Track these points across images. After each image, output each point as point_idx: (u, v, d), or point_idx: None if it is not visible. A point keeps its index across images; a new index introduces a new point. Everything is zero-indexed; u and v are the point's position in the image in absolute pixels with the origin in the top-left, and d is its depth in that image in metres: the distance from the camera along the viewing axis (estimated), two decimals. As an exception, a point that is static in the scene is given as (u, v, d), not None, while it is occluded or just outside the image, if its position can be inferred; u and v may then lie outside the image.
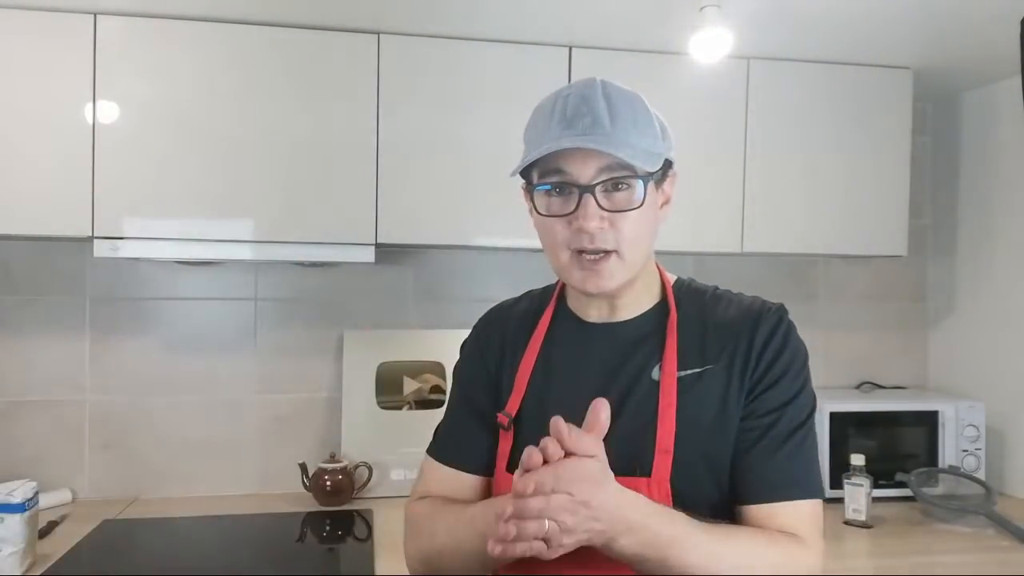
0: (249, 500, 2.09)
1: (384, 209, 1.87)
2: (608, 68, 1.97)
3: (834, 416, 2.13)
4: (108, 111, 1.76)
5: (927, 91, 2.35)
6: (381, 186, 1.87)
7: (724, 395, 0.94)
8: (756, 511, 0.92)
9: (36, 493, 1.63)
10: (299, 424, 2.17)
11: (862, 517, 1.91)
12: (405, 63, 1.88)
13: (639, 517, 0.81)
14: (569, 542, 0.78)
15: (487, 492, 1.04)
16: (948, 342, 2.47)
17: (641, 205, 0.91)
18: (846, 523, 1.93)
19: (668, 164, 0.97)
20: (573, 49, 1.96)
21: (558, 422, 0.80)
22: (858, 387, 2.46)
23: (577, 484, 0.78)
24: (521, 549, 0.77)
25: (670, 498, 0.90)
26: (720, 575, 0.84)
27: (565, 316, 1.05)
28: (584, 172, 0.90)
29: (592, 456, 0.81)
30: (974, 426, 2.17)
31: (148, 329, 2.12)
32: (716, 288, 1.05)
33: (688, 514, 0.87)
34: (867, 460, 1.95)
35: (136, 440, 2.10)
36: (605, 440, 0.89)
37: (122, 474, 2.09)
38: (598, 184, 0.90)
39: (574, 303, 1.05)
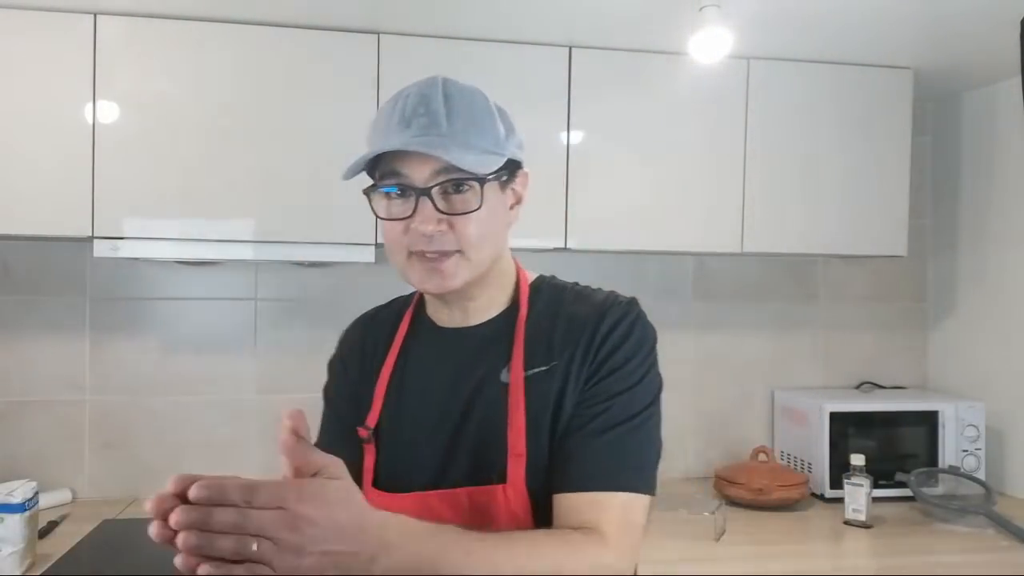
0: (249, 500, 2.08)
1: (384, 209, 1.87)
2: (608, 68, 1.98)
3: (834, 416, 2.13)
4: (108, 111, 1.76)
5: (927, 91, 2.35)
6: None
7: (564, 388, 0.92)
8: (564, 500, 0.87)
9: (36, 493, 1.63)
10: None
11: (862, 517, 1.91)
12: (405, 63, 1.88)
13: (395, 536, 0.71)
14: (307, 563, 0.64)
15: None
16: (948, 342, 2.47)
17: (479, 208, 0.88)
18: (846, 523, 1.93)
19: (515, 164, 0.96)
20: (573, 49, 1.96)
21: (287, 441, 0.69)
22: (858, 387, 2.46)
23: (296, 500, 0.64)
24: (236, 571, 0.64)
25: (528, 502, 0.88)
26: None
27: (421, 323, 1.04)
28: (420, 175, 0.88)
29: (326, 474, 0.69)
30: (974, 426, 2.17)
31: (148, 329, 2.12)
32: (576, 284, 1.03)
33: (550, 520, 0.86)
34: (867, 460, 1.95)
35: (136, 440, 2.10)
36: (459, 448, 0.90)
37: (122, 474, 2.09)
38: (434, 187, 0.88)
39: (430, 309, 1.03)
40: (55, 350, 2.07)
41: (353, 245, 1.87)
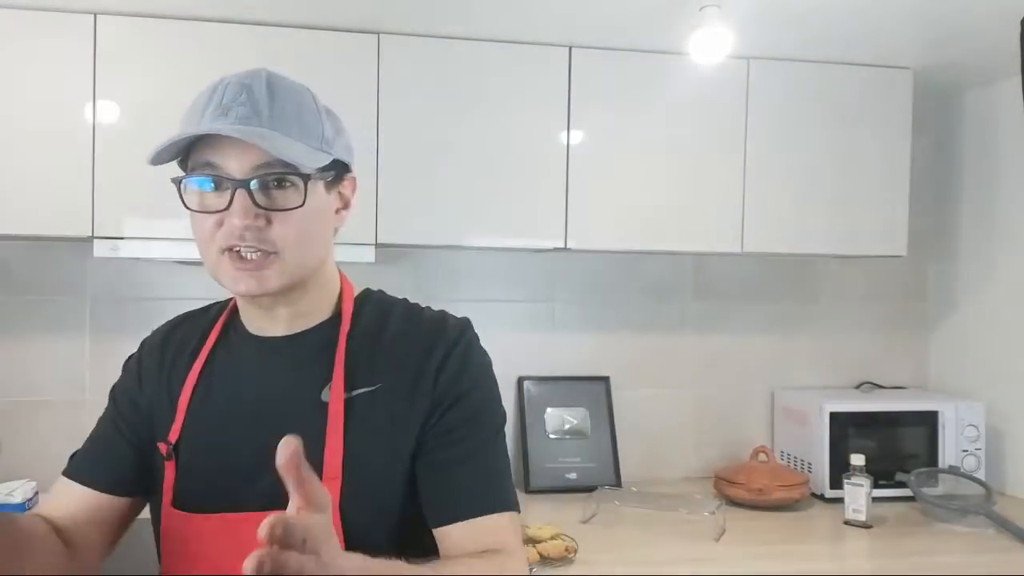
0: (249, 500, 2.09)
1: (384, 209, 1.87)
2: (608, 68, 1.98)
3: (834, 416, 2.13)
4: (108, 111, 1.76)
5: (927, 91, 2.34)
6: (381, 186, 1.87)
7: (396, 414, 0.87)
8: (457, 530, 0.86)
9: (36, 493, 1.63)
10: (299, 424, 2.16)
11: (862, 517, 1.91)
12: (405, 63, 1.88)
13: (356, 566, 0.69)
14: None
15: (115, 514, 0.98)
16: (948, 342, 2.47)
17: (302, 205, 0.83)
18: (846, 523, 1.93)
19: (343, 167, 0.91)
20: (573, 49, 1.96)
21: (296, 476, 0.64)
22: (858, 387, 2.46)
23: (322, 542, 0.62)
24: None
25: (340, 528, 0.80)
26: None
27: (233, 330, 0.97)
28: (238, 166, 0.82)
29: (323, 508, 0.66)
30: (974, 426, 2.17)
31: (148, 329, 2.10)
32: (405, 301, 0.99)
33: (365, 545, 0.77)
34: (867, 460, 1.95)
35: (136, 440, 2.10)
36: (267, 468, 0.76)
37: (122, 474, 2.09)
38: (253, 179, 0.82)
39: (244, 315, 0.96)
40: (55, 350, 2.07)
41: (353, 245, 1.87)
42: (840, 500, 1.97)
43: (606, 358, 2.32)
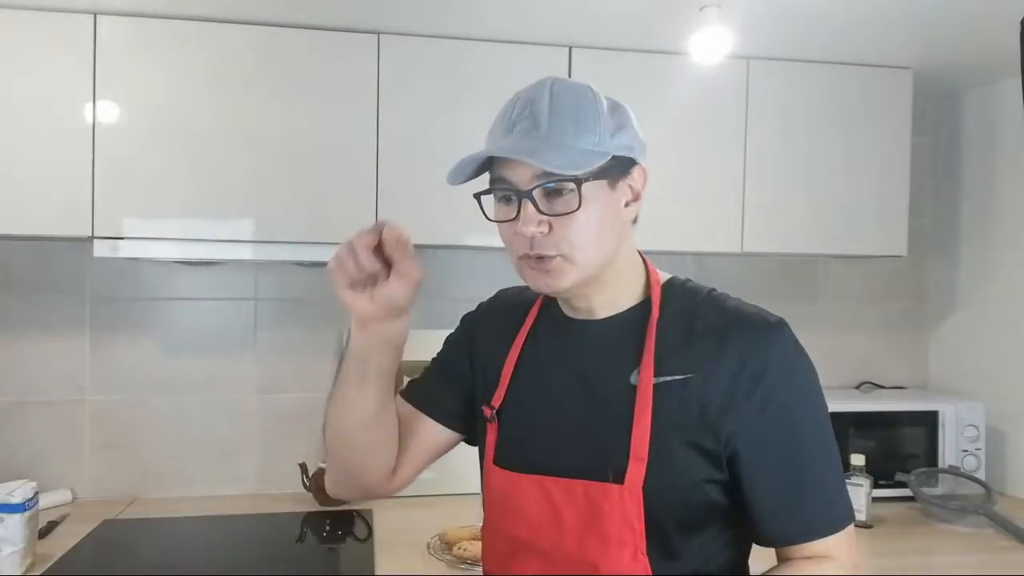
0: (249, 500, 2.09)
1: (384, 209, 1.87)
2: (608, 68, 1.98)
3: (834, 416, 2.08)
4: (108, 111, 1.76)
5: (927, 91, 2.35)
6: (381, 186, 1.87)
7: (706, 407, 0.89)
8: (792, 552, 0.93)
9: (36, 493, 1.63)
10: (299, 424, 2.17)
11: (862, 517, 1.91)
12: (405, 63, 1.88)
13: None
14: None
15: (437, 442, 1.09)
16: (948, 342, 2.47)
17: (578, 208, 0.88)
18: (846, 523, 1.93)
19: (628, 162, 0.95)
20: (573, 49, 1.96)
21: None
22: (858, 387, 2.46)
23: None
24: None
25: (642, 507, 0.88)
26: None
27: (549, 312, 1.05)
28: (521, 178, 0.89)
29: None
30: (974, 426, 2.17)
31: (148, 329, 2.12)
32: (712, 290, 1.00)
33: (662, 530, 0.90)
34: (867, 460, 1.95)
35: (136, 440, 2.10)
36: (578, 440, 0.93)
37: (122, 474, 2.09)
38: (534, 189, 0.88)
39: (560, 300, 1.04)
40: (55, 350, 2.07)
41: (353, 245, 1.86)
42: (840, 500, 1.96)
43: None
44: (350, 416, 0.98)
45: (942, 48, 2.01)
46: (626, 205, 0.96)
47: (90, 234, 1.75)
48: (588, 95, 0.93)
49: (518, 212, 0.90)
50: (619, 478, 0.89)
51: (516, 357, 1.03)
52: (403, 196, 1.89)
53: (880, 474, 2.04)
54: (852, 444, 2.10)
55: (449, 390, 1.10)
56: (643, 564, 0.89)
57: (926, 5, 1.73)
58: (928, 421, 2.18)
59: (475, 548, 1.61)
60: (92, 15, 1.75)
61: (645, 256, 1.04)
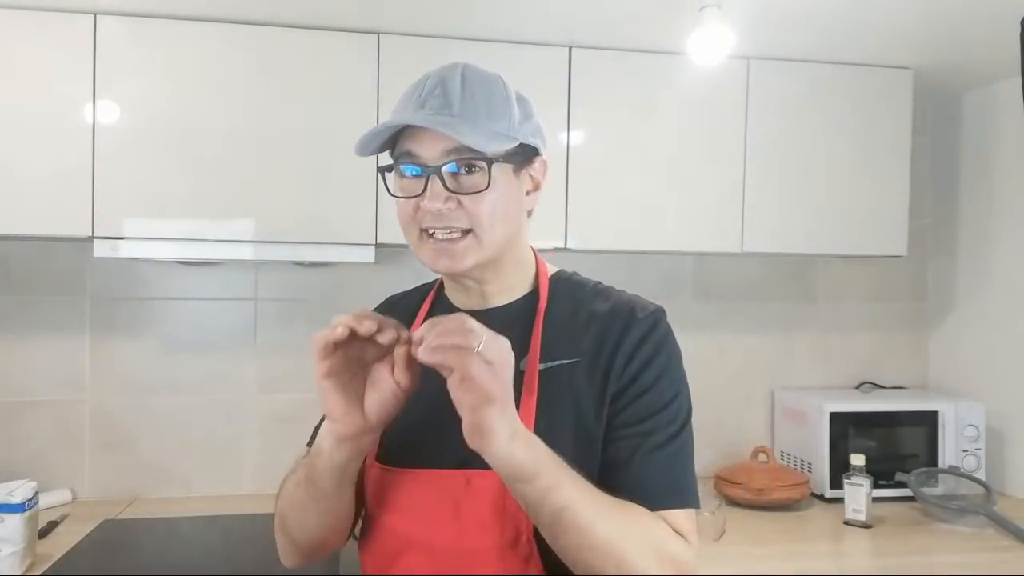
0: (249, 500, 2.09)
1: (384, 209, 1.87)
2: (608, 68, 1.98)
3: (834, 416, 2.13)
4: (108, 111, 1.76)
5: (927, 91, 2.35)
6: (381, 186, 1.87)
7: (587, 391, 0.92)
8: None
9: (36, 493, 1.63)
10: (299, 424, 2.16)
11: (862, 517, 1.91)
12: (405, 63, 1.88)
13: (524, 431, 0.81)
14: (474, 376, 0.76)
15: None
16: (948, 342, 2.47)
17: (488, 187, 0.89)
18: (846, 523, 1.93)
19: (532, 150, 0.96)
20: (573, 49, 1.96)
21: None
22: (858, 387, 2.46)
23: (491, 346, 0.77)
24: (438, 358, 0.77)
25: None
26: (595, 534, 0.82)
27: (441, 305, 1.05)
28: (431, 153, 0.89)
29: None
30: (974, 426, 2.17)
31: (148, 329, 2.12)
32: (598, 283, 1.03)
33: None
34: (867, 460, 1.95)
35: (136, 440, 2.10)
36: (452, 435, 0.86)
37: (122, 474, 2.09)
38: (444, 165, 0.89)
39: (449, 291, 1.05)
40: (55, 350, 2.07)
41: (353, 245, 1.87)
42: (840, 500, 1.97)
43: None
44: (322, 517, 0.96)
45: (942, 48, 2.01)
46: (527, 194, 0.97)
47: (90, 234, 1.75)
48: (499, 83, 0.96)
49: (425, 188, 0.89)
50: None
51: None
52: (403, 196, 1.88)
53: (880, 474, 2.04)
54: (852, 444, 2.10)
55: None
56: (532, 548, 0.89)
57: (926, 5, 1.73)
58: (928, 421, 2.18)
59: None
60: (92, 15, 1.75)
61: (535, 250, 1.05)
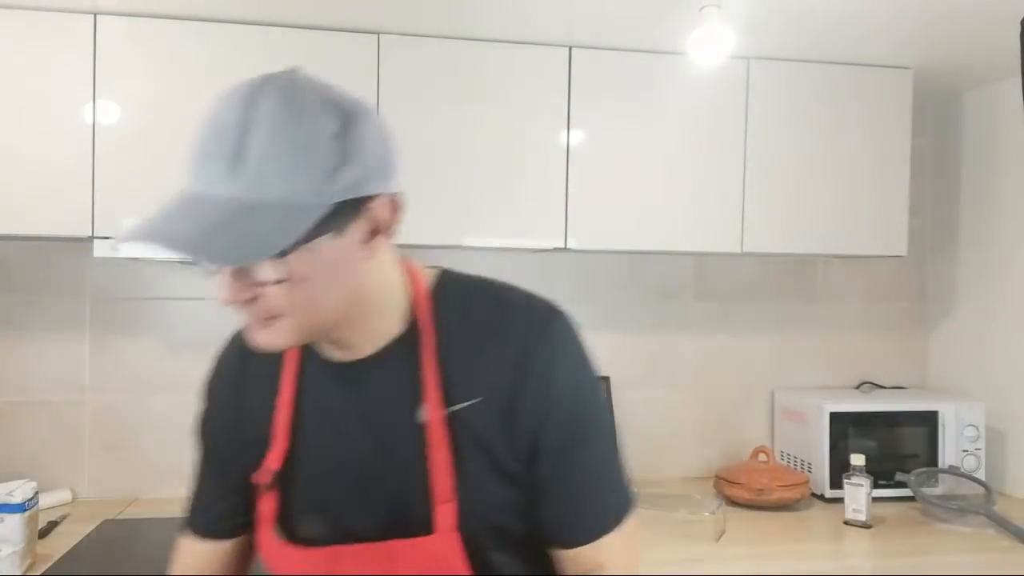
0: (249, 500, 2.08)
1: (384, 209, 1.87)
2: (608, 68, 1.98)
3: (834, 416, 2.13)
4: (108, 111, 1.76)
5: (927, 91, 2.35)
6: (381, 186, 1.87)
7: (499, 427, 0.80)
8: (566, 554, 0.83)
9: (36, 493, 1.63)
10: (299, 424, 2.16)
11: (862, 517, 1.91)
12: (405, 63, 1.88)
13: None
14: None
15: (243, 555, 0.94)
16: (948, 342, 2.47)
17: (286, 279, 0.71)
18: (846, 523, 1.93)
19: (361, 200, 0.74)
20: (573, 49, 1.96)
21: None
22: (858, 387, 2.46)
23: None
24: None
25: (461, 551, 0.79)
26: None
27: (311, 355, 0.86)
28: None
29: None
30: (974, 426, 2.17)
31: (148, 329, 2.12)
32: (483, 283, 0.90)
33: (488, 566, 0.81)
34: (867, 460, 1.95)
35: (136, 440, 2.10)
36: (373, 496, 0.81)
37: (122, 474, 2.09)
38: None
39: None
40: (55, 350, 2.07)
41: (353, 245, 1.87)
42: (840, 500, 1.97)
43: (606, 358, 2.32)
44: None
45: (942, 48, 2.01)
46: (370, 238, 0.76)
47: (90, 234, 1.75)
48: (309, 111, 0.73)
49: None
50: (427, 528, 0.79)
51: (289, 409, 0.86)
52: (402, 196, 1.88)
53: (880, 474, 2.04)
54: (852, 444, 2.10)
55: (237, 496, 0.90)
56: None
57: (926, 5, 1.73)
58: (928, 421, 2.18)
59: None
60: (92, 15, 1.75)
61: (408, 262, 0.88)
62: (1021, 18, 1.73)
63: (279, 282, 0.71)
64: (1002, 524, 1.88)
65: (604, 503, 0.84)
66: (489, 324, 0.83)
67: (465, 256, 2.24)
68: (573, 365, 0.84)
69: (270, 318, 0.74)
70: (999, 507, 1.95)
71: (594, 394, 0.86)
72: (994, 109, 2.30)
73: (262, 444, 0.86)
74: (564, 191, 1.96)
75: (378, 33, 1.87)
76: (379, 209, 0.76)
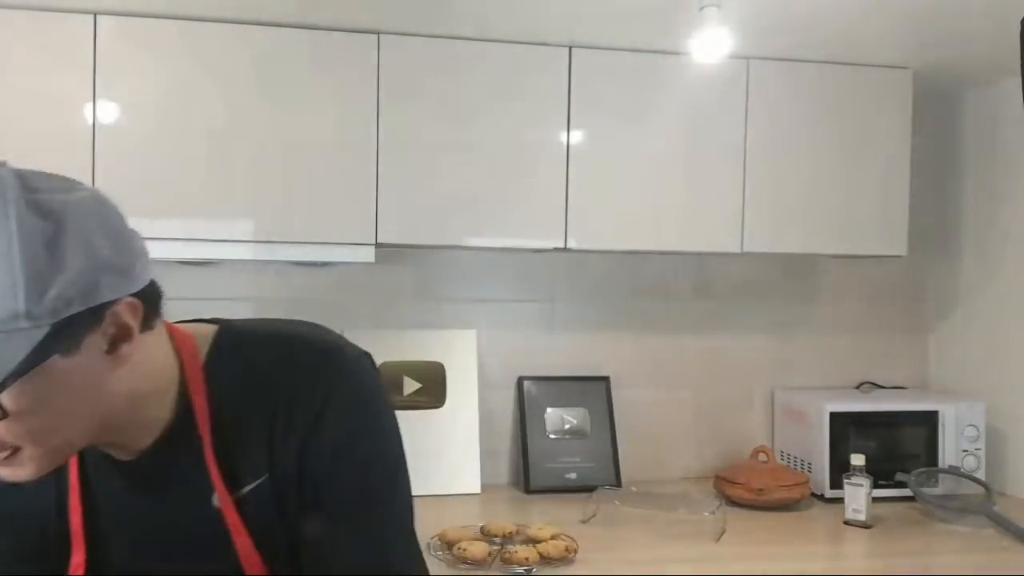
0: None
1: (384, 209, 1.87)
2: (608, 68, 1.98)
3: (834, 416, 2.13)
4: (108, 111, 1.76)
5: (927, 91, 2.34)
6: (381, 186, 1.87)
7: (288, 492, 0.76)
8: None
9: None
10: (299, 424, 2.16)
11: (862, 517, 1.91)
12: (405, 63, 1.88)
13: None
14: None
15: None
16: (948, 342, 2.47)
17: (5, 416, 0.63)
18: (846, 523, 1.93)
19: (89, 312, 0.65)
20: (573, 49, 1.96)
21: None
22: (858, 387, 2.46)
23: None
24: None
25: None
26: None
27: (92, 457, 0.79)
28: None
29: None
30: (974, 426, 2.17)
31: (148, 329, 2.11)
32: (268, 338, 0.83)
33: None
34: (867, 460, 1.95)
35: (136, 440, 2.10)
36: None
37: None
38: None
39: None
40: (55, 350, 2.07)
41: (353, 245, 1.87)
42: (840, 500, 1.97)
43: (606, 358, 2.32)
44: None
45: (942, 48, 2.01)
46: (112, 351, 0.68)
47: (90, 234, 1.75)
48: (9, 218, 0.62)
49: None
50: None
51: (80, 509, 0.79)
52: (403, 196, 1.89)
53: (880, 474, 2.04)
54: (852, 444, 2.10)
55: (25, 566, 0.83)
56: None
57: (926, 5, 1.73)
58: (928, 421, 2.18)
59: (475, 548, 1.61)
60: (92, 15, 1.75)
61: (180, 334, 0.82)
62: (1021, 18, 1.73)
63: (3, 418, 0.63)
64: (1002, 524, 1.88)
65: (394, 556, 0.78)
66: (274, 383, 0.77)
67: (465, 256, 2.24)
68: (362, 423, 0.78)
69: (7, 453, 0.66)
70: (999, 507, 1.95)
71: (380, 451, 0.79)
72: (994, 109, 2.30)
73: (60, 539, 0.79)
74: (564, 191, 1.96)
75: (378, 33, 1.87)
76: (122, 314, 0.68)
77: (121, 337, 0.69)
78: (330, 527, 0.76)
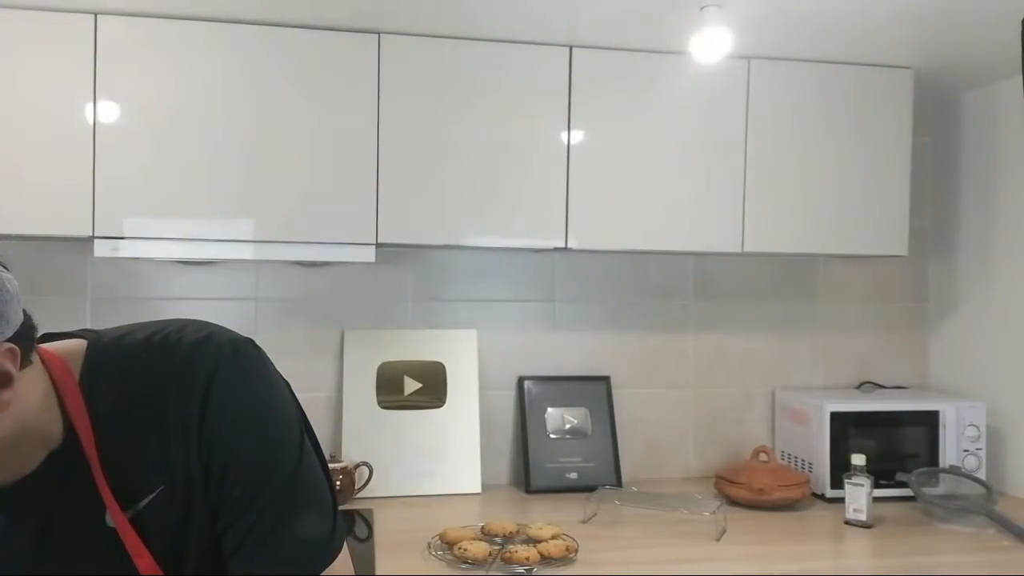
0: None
1: (384, 209, 1.87)
2: (608, 68, 1.98)
3: (835, 416, 2.13)
4: (108, 111, 1.76)
5: (927, 91, 2.35)
6: (381, 186, 1.87)
7: (190, 503, 0.76)
8: None
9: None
10: (299, 424, 2.16)
11: (863, 517, 1.91)
12: (405, 63, 1.88)
13: None
14: None
15: None
16: (949, 342, 2.47)
17: None
18: (847, 523, 1.93)
19: None
20: (573, 49, 1.96)
21: None
22: (859, 387, 2.46)
23: None
24: None
25: None
26: None
27: None
28: None
29: None
30: (975, 426, 2.17)
31: (148, 329, 2.12)
32: (135, 348, 0.78)
33: None
34: (868, 460, 1.95)
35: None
36: None
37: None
38: None
39: None
40: (55, 350, 2.07)
41: (353, 245, 1.87)
42: (841, 500, 1.96)
43: (606, 358, 2.33)
44: None
45: (942, 48, 2.01)
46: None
47: (90, 234, 1.75)
48: None
49: None
50: None
51: None
52: (403, 196, 1.89)
53: (880, 474, 2.04)
54: (853, 444, 2.10)
55: None
56: None
57: (926, 5, 1.73)
58: (929, 421, 2.18)
59: (475, 548, 1.61)
60: (92, 15, 1.75)
61: (49, 357, 0.77)
62: (1021, 18, 1.73)
63: None
64: (1003, 524, 1.88)
65: (305, 550, 0.77)
66: (153, 389, 0.76)
67: (465, 256, 2.24)
68: (249, 398, 0.77)
69: None
70: (1000, 507, 1.95)
71: (281, 431, 0.79)
72: (994, 109, 2.30)
73: None
74: (564, 191, 1.96)
75: (378, 33, 1.87)
76: (1, 363, 0.67)
77: (1, 384, 0.68)
78: (241, 510, 0.75)
